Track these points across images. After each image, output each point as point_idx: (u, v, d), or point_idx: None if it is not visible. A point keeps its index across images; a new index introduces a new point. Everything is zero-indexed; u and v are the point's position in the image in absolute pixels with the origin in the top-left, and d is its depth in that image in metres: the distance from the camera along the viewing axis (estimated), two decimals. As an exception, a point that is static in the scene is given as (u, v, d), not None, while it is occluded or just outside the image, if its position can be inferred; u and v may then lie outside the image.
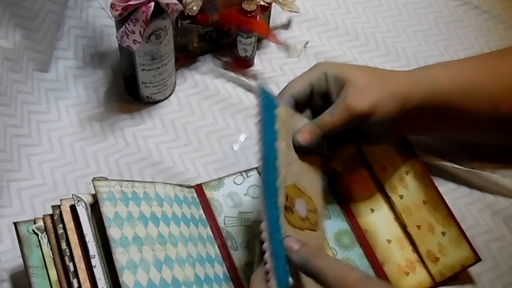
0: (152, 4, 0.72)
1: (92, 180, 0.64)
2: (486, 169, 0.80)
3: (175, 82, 0.87)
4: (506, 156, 0.81)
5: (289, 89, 0.69)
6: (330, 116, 0.67)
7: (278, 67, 0.90)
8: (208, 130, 0.84)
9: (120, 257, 0.60)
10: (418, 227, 0.73)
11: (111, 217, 0.62)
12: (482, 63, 0.75)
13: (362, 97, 0.66)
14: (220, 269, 0.69)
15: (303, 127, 0.67)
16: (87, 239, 0.62)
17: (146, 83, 0.82)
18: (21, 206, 0.75)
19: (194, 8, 0.81)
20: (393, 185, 0.76)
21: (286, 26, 0.95)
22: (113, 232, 0.61)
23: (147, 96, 0.84)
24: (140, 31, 0.73)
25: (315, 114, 0.69)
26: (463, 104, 0.72)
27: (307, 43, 0.92)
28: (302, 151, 0.67)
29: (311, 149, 0.67)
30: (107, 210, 0.62)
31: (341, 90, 0.67)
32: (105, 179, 0.66)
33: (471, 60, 0.77)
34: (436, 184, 0.74)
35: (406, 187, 0.75)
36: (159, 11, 0.74)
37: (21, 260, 0.70)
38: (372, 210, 0.76)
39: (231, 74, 0.88)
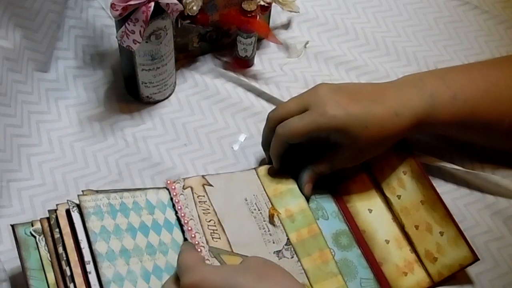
0: (152, 4, 0.72)
1: (78, 195, 0.65)
2: (486, 169, 0.80)
3: (175, 82, 0.87)
4: (506, 157, 0.81)
5: (288, 136, 0.73)
6: (330, 169, 0.75)
7: (278, 67, 0.90)
8: (208, 130, 0.84)
9: (106, 271, 0.61)
10: (416, 227, 0.73)
11: (97, 232, 0.62)
12: (488, 90, 0.75)
13: (359, 158, 0.75)
14: None
15: (305, 179, 0.75)
16: (81, 245, 0.62)
17: (146, 83, 0.82)
18: (21, 206, 0.75)
19: (194, 8, 0.81)
20: (391, 185, 0.76)
21: (286, 26, 0.95)
22: (99, 247, 0.62)
23: (147, 96, 0.84)
24: (140, 31, 0.73)
25: None
26: (458, 134, 0.77)
27: (307, 43, 0.92)
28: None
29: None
30: (93, 224, 0.63)
31: (339, 144, 0.73)
32: (92, 192, 0.66)
33: (479, 84, 0.75)
34: (436, 184, 0.74)
35: (404, 187, 0.75)
36: (159, 11, 0.74)
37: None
38: (370, 211, 0.76)
39: (231, 74, 0.88)
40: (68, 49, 0.88)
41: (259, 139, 0.83)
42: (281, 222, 0.73)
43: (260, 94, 0.87)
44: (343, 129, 0.71)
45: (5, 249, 0.72)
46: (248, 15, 0.82)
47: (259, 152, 0.82)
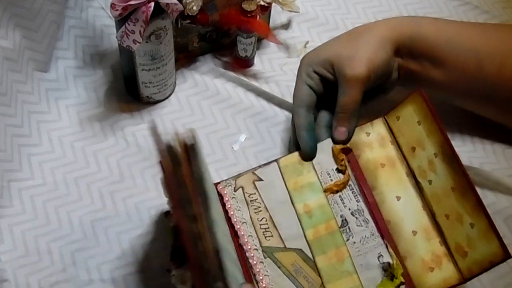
0: (152, 4, 0.72)
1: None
2: (484, 167, 0.79)
3: (175, 82, 0.87)
4: (506, 155, 0.81)
5: (297, 104, 0.75)
6: (346, 96, 0.72)
7: (278, 67, 0.90)
8: (208, 130, 0.84)
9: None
10: (447, 216, 0.67)
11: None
12: (472, 24, 0.80)
13: (356, 62, 0.72)
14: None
15: (334, 124, 0.73)
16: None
17: (146, 83, 0.82)
18: (22, 206, 0.75)
19: (194, 8, 0.81)
20: (422, 168, 0.70)
21: (286, 26, 0.95)
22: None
23: (147, 96, 0.84)
24: (140, 31, 0.73)
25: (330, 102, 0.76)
26: (447, 53, 0.75)
27: (307, 43, 0.92)
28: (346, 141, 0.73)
29: (351, 136, 0.73)
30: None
31: (333, 69, 0.74)
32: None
33: (462, 21, 0.81)
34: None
35: (435, 171, 0.68)
36: (159, 11, 0.74)
37: (21, 260, 0.71)
38: (398, 198, 0.70)
39: (231, 74, 0.88)
40: (68, 49, 0.88)
41: (259, 139, 0.83)
42: (298, 218, 0.71)
43: (260, 94, 0.87)
44: (312, 50, 0.77)
45: (6, 249, 0.72)
46: (248, 15, 0.82)
47: (259, 152, 0.82)
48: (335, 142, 0.73)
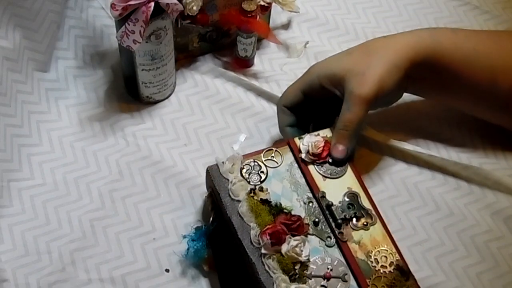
0: (152, 4, 0.72)
1: None
2: (484, 167, 0.79)
3: (175, 82, 0.87)
4: (506, 154, 0.81)
5: (282, 99, 0.77)
6: (351, 113, 0.70)
7: (278, 67, 0.90)
8: (208, 130, 0.84)
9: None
10: None
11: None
12: (489, 36, 0.78)
13: (366, 80, 0.70)
14: None
15: (333, 141, 0.71)
16: None
17: (146, 83, 0.82)
18: (22, 206, 0.75)
19: (194, 8, 0.81)
20: None
21: (286, 26, 0.95)
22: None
23: (147, 96, 0.84)
24: (140, 31, 0.73)
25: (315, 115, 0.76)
26: (463, 71, 0.74)
27: (307, 43, 0.92)
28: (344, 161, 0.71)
29: (350, 154, 0.71)
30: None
31: (342, 84, 0.71)
32: None
33: (480, 32, 0.80)
34: (437, 181, 0.74)
35: None
36: (159, 11, 0.74)
37: (21, 260, 0.71)
38: None
39: (231, 74, 0.88)
40: (68, 49, 0.88)
41: (259, 139, 0.83)
42: None
43: (260, 93, 0.87)
44: (323, 61, 0.75)
45: (6, 249, 0.72)
46: (248, 15, 0.82)
47: (259, 152, 0.82)
48: (333, 159, 0.71)
